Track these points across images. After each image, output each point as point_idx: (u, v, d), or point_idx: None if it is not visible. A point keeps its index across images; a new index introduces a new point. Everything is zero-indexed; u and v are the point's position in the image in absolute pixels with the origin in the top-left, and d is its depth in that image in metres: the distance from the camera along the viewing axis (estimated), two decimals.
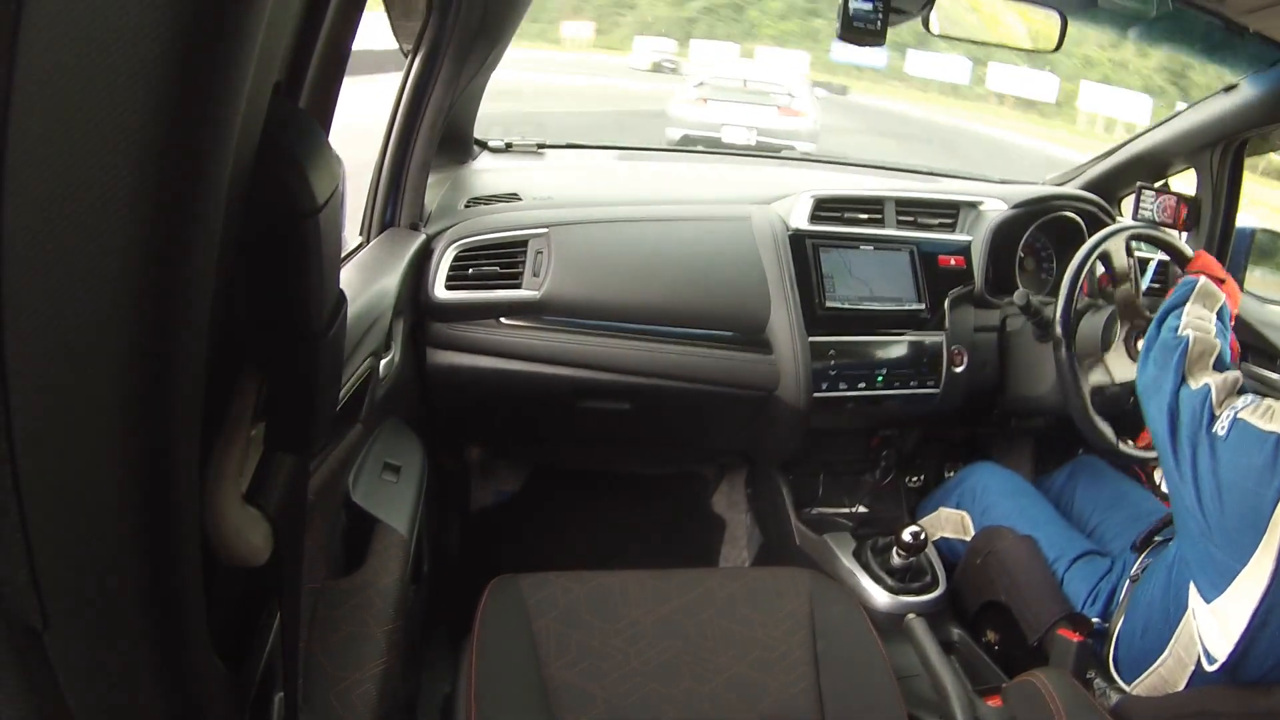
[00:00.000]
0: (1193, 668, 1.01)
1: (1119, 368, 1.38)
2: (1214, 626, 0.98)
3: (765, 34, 17.98)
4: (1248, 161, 1.72)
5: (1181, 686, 1.03)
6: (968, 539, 1.46)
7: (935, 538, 1.54)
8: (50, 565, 0.38)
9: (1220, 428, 1.00)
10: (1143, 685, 1.09)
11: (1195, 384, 1.09)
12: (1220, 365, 1.13)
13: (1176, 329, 1.15)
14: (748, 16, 18.17)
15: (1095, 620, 1.21)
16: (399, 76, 1.36)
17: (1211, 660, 0.97)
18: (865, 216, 1.59)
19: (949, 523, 1.52)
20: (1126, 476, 1.54)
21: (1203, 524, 1.00)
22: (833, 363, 1.47)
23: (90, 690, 0.42)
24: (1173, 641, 1.05)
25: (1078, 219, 1.68)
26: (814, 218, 1.54)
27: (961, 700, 1.11)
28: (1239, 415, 0.99)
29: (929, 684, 1.20)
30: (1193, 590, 1.03)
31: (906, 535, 1.37)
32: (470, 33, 1.33)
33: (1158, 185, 1.73)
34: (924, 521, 1.59)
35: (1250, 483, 0.95)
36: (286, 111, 0.50)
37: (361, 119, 1.17)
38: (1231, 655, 0.94)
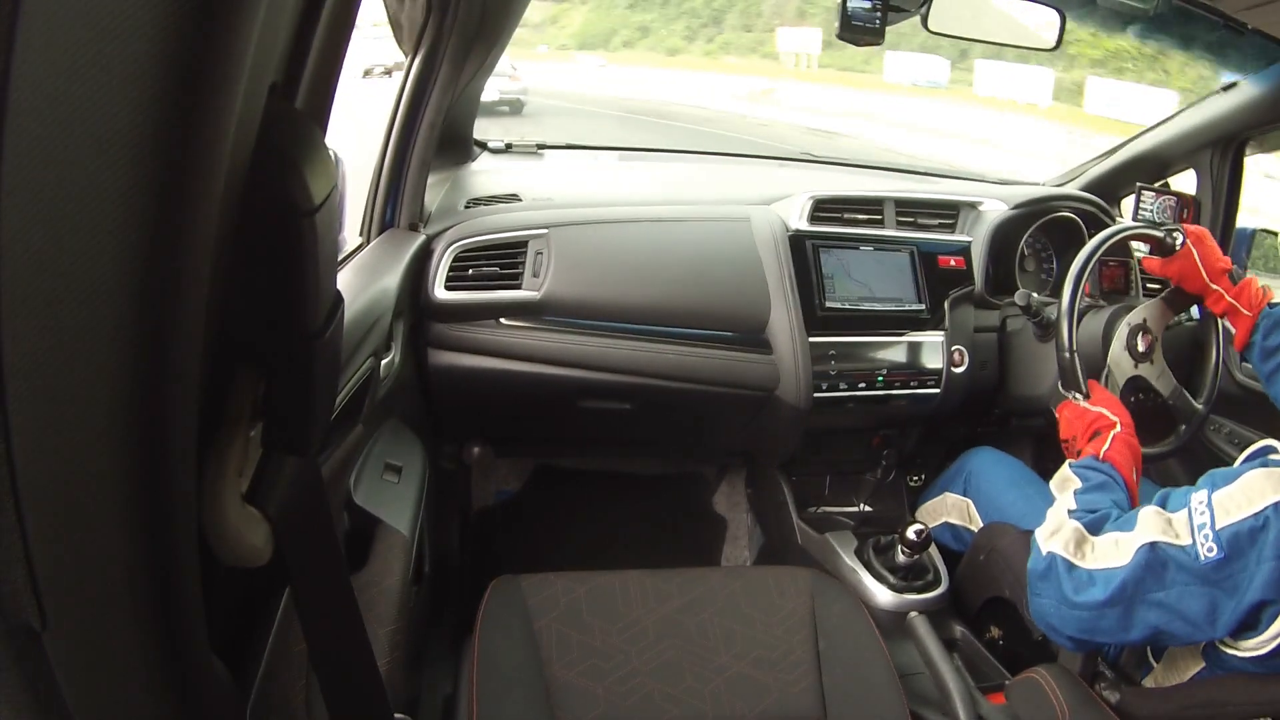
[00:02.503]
0: (1202, 647, 1.00)
1: (1119, 368, 1.38)
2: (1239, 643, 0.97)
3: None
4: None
5: (1193, 672, 1.02)
6: (973, 528, 1.46)
7: (939, 522, 1.54)
8: (48, 565, 0.38)
9: (1207, 550, 0.90)
10: (1161, 665, 1.08)
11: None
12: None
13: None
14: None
15: None
16: None
17: (1236, 650, 0.96)
18: (864, 217, 1.59)
19: (955, 509, 1.52)
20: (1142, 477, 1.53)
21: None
22: (833, 363, 1.47)
23: (89, 690, 0.42)
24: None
25: (1077, 220, 1.67)
26: (813, 218, 1.54)
27: (964, 698, 1.11)
28: (1218, 528, 0.89)
29: (931, 682, 1.20)
30: None
31: (911, 533, 1.37)
32: (469, 34, 1.33)
33: (1157, 185, 1.74)
34: (929, 506, 1.58)
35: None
36: (283, 112, 0.50)
37: None
38: (1262, 655, 0.93)
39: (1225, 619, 0.90)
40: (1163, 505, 0.98)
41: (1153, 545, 0.94)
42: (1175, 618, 0.93)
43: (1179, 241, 1.29)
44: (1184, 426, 1.35)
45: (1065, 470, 1.14)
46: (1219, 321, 1.36)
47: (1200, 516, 0.91)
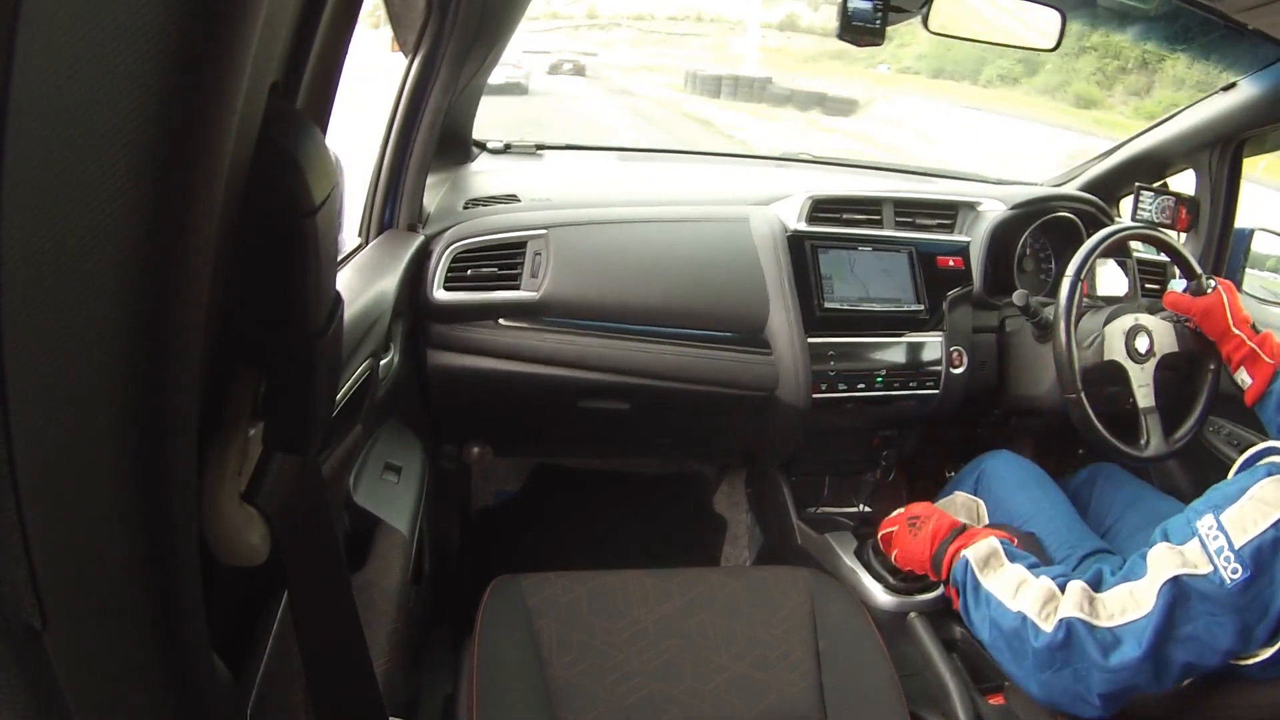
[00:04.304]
0: None
1: (1111, 345, 1.39)
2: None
3: None
4: None
5: (1188, 681, 1.02)
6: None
7: None
8: (49, 564, 0.38)
9: (1230, 572, 0.87)
10: None
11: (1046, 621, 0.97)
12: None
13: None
14: None
15: None
16: None
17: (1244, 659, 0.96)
18: (863, 217, 1.59)
19: (964, 509, 1.52)
20: (1142, 480, 1.53)
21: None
22: (832, 364, 1.47)
23: (90, 690, 0.42)
24: None
25: (1076, 220, 1.68)
26: (812, 218, 1.54)
27: (963, 698, 1.12)
28: (1238, 548, 0.87)
29: (931, 682, 1.20)
30: None
31: None
32: (469, 34, 1.33)
33: (1156, 186, 1.74)
34: (939, 505, 1.58)
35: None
36: (284, 111, 0.50)
37: None
38: (1263, 661, 0.93)
39: (1260, 636, 0.89)
40: (1165, 538, 0.95)
41: (1175, 580, 0.90)
42: (1207, 651, 0.90)
43: (1211, 286, 1.32)
44: (1145, 440, 1.36)
45: (991, 543, 1.10)
46: (1218, 376, 1.37)
47: (1215, 541, 0.89)
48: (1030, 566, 1.06)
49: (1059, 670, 0.96)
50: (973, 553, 1.10)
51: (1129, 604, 0.93)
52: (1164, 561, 0.92)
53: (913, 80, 16.85)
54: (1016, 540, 1.14)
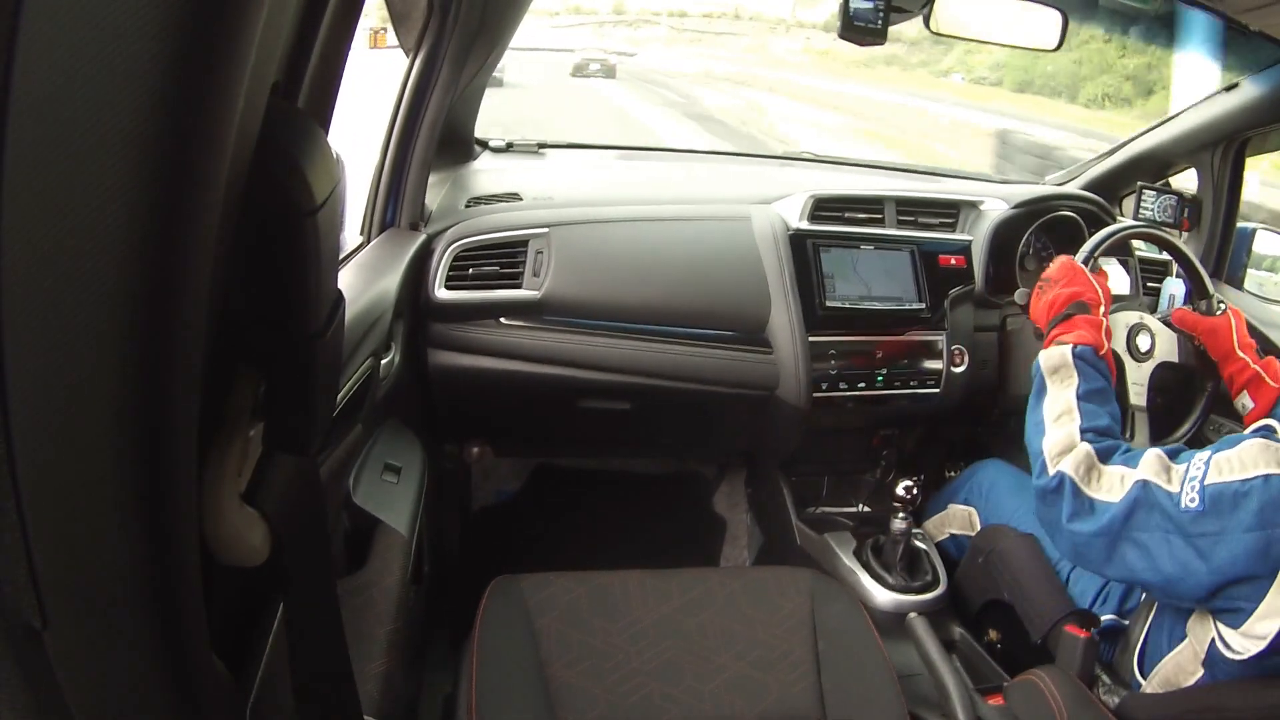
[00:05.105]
0: (1204, 653, 1.00)
1: (1118, 367, 1.38)
2: (1235, 637, 0.97)
3: None
4: None
5: (1192, 682, 1.02)
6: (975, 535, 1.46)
7: (944, 535, 1.54)
8: (49, 565, 0.38)
9: (1189, 500, 0.95)
10: (1155, 680, 1.08)
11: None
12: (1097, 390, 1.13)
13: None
14: None
15: (1107, 617, 1.21)
16: None
17: (1235, 652, 0.96)
18: (865, 216, 1.58)
19: (957, 519, 1.52)
20: None
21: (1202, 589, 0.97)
22: (833, 362, 1.47)
23: (90, 690, 0.42)
24: (1189, 630, 1.04)
25: (1078, 219, 1.67)
26: (813, 217, 1.54)
27: (963, 699, 1.11)
28: (1206, 484, 0.94)
29: (930, 683, 1.20)
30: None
31: (900, 489, 1.39)
32: (470, 34, 1.34)
33: (1159, 185, 1.73)
34: (934, 520, 1.58)
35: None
36: (285, 111, 0.50)
37: None
38: (1259, 654, 0.94)
39: (1197, 580, 0.94)
40: (1172, 456, 1.02)
41: (1145, 483, 0.99)
42: (1151, 565, 0.98)
43: (1221, 309, 1.33)
44: (1129, 438, 1.34)
45: (1065, 354, 1.15)
46: (1214, 396, 1.37)
47: (1195, 470, 0.97)
48: (1083, 395, 1.12)
49: (1048, 508, 1.08)
50: (1046, 358, 1.16)
51: (1115, 486, 1.03)
52: (1150, 465, 1.01)
53: (991, 93, 14.29)
54: (1104, 349, 1.18)
